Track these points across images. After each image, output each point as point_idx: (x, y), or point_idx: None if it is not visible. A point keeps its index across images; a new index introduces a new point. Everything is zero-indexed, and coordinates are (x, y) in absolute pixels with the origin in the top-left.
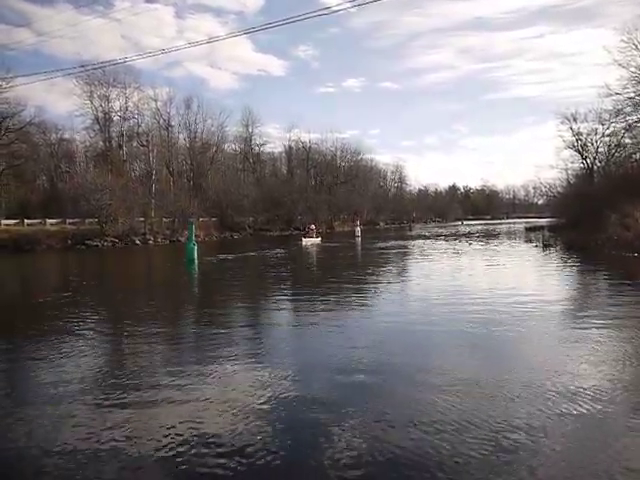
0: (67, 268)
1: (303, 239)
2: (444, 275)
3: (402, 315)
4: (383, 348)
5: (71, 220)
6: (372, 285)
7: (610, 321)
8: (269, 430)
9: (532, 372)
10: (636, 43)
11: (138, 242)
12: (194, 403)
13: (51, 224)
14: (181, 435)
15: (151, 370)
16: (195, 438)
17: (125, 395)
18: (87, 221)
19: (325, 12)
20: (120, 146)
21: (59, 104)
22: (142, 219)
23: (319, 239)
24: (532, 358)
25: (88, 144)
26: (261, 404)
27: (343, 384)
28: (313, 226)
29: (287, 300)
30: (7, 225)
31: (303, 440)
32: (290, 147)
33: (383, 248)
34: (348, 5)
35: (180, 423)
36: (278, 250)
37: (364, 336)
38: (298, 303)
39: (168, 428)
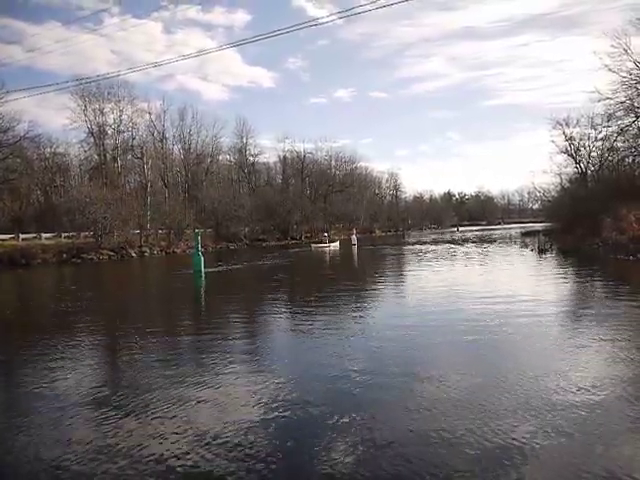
0: (75, 282)
1: (327, 244)
2: (444, 282)
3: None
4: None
5: (66, 234)
6: (373, 291)
7: (610, 329)
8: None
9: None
10: (625, 48)
11: (134, 254)
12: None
13: (46, 238)
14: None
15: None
16: (191, 447)
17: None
18: (82, 234)
19: (315, 24)
20: (115, 159)
21: (53, 119)
22: (137, 231)
23: (332, 244)
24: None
25: (82, 157)
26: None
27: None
28: (326, 234)
29: (301, 309)
30: (2, 240)
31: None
32: (284, 157)
33: (381, 255)
34: (334, 17)
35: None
36: (278, 260)
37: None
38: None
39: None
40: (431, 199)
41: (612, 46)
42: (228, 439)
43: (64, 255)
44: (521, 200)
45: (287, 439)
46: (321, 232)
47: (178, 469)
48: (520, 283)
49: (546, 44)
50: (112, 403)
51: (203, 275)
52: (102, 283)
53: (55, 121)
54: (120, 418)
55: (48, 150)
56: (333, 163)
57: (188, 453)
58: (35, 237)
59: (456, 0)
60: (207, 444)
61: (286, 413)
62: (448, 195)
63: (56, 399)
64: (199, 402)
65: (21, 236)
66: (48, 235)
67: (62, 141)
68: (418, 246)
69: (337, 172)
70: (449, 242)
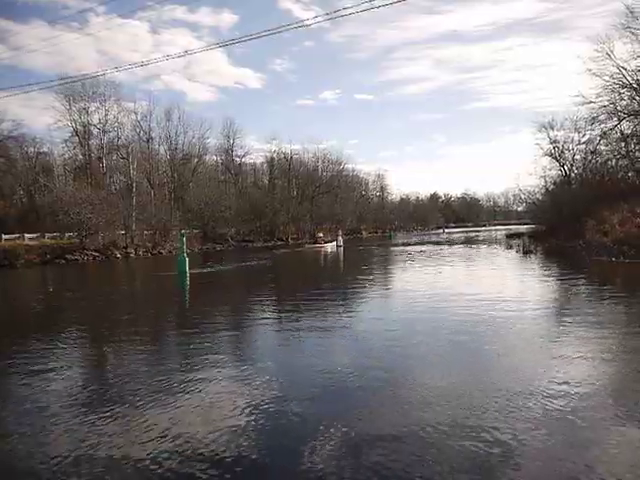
0: (56, 283)
1: (322, 244)
2: (430, 283)
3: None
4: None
5: (50, 234)
6: (359, 291)
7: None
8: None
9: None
10: (608, 52)
11: (119, 255)
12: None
13: (29, 239)
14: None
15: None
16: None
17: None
18: (67, 235)
19: (302, 25)
20: (100, 159)
21: (37, 118)
22: (123, 232)
23: (327, 245)
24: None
25: (67, 157)
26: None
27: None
28: (321, 234)
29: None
30: None
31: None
32: (271, 158)
33: (368, 256)
34: (320, 19)
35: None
36: (265, 261)
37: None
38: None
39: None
40: (417, 201)
41: (595, 50)
42: (213, 442)
43: (48, 256)
44: (506, 202)
45: (272, 439)
46: (309, 233)
47: (161, 474)
48: (504, 283)
49: (530, 48)
50: (94, 403)
51: (187, 276)
52: (83, 284)
53: (39, 120)
54: (103, 422)
55: (32, 150)
56: (320, 164)
57: (172, 457)
58: (18, 237)
59: (442, 4)
60: (194, 447)
61: (271, 412)
62: (434, 197)
63: (37, 402)
64: (184, 405)
65: (4, 237)
66: (31, 235)
67: (46, 141)
68: (404, 247)
69: (324, 173)
70: (435, 243)
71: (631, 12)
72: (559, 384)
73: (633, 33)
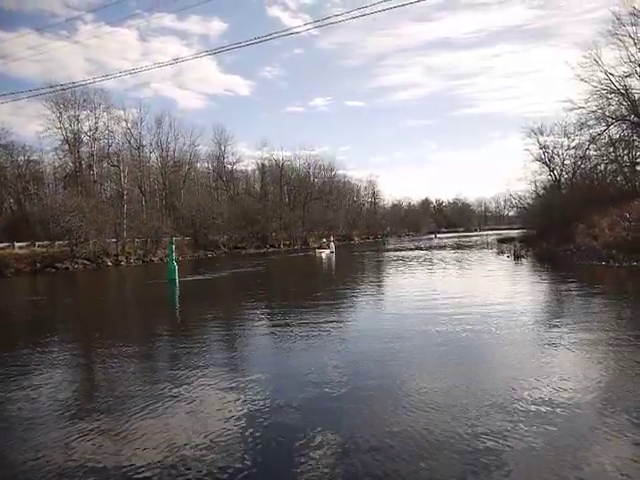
0: (43, 293)
1: (318, 250)
2: (423, 289)
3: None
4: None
5: (40, 243)
6: (350, 296)
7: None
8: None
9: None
10: (596, 59)
11: (110, 263)
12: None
13: (19, 247)
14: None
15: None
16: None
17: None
18: (57, 243)
19: (292, 32)
20: (90, 167)
21: (26, 126)
22: (114, 240)
23: (328, 250)
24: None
25: (57, 165)
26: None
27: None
28: (324, 240)
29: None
30: None
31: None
32: (263, 165)
33: (359, 262)
34: (310, 26)
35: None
36: (258, 268)
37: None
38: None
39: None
40: (409, 206)
41: (584, 57)
42: (204, 450)
43: (38, 264)
44: (497, 207)
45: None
46: (301, 239)
47: None
48: (495, 288)
49: (519, 55)
50: (80, 413)
51: (177, 284)
52: (72, 293)
53: (29, 128)
54: (90, 432)
55: (21, 157)
56: (311, 171)
57: (160, 469)
58: (8, 246)
59: (432, 11)
60: (183, 458)
61: (261, 422)
62: (426, 202)
63: (21, 410)
64: (173, 412)
65: None
66: (21, 244)
67: (36, 148)
68: (397, 253)
69: (315, 180)
70: (427, 248)
71: (618, 19)
72: (556, 390)
73: (620, 40)
